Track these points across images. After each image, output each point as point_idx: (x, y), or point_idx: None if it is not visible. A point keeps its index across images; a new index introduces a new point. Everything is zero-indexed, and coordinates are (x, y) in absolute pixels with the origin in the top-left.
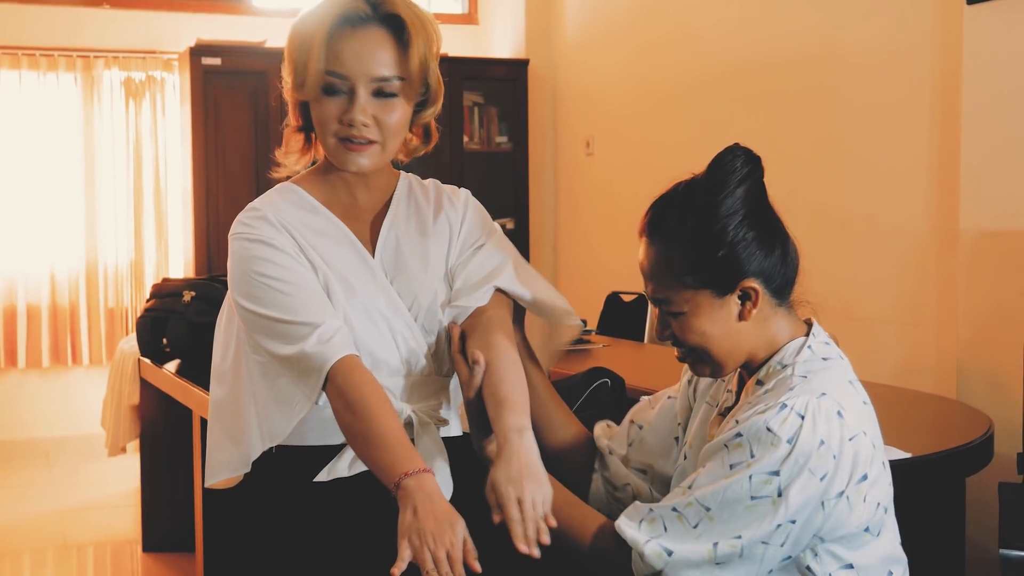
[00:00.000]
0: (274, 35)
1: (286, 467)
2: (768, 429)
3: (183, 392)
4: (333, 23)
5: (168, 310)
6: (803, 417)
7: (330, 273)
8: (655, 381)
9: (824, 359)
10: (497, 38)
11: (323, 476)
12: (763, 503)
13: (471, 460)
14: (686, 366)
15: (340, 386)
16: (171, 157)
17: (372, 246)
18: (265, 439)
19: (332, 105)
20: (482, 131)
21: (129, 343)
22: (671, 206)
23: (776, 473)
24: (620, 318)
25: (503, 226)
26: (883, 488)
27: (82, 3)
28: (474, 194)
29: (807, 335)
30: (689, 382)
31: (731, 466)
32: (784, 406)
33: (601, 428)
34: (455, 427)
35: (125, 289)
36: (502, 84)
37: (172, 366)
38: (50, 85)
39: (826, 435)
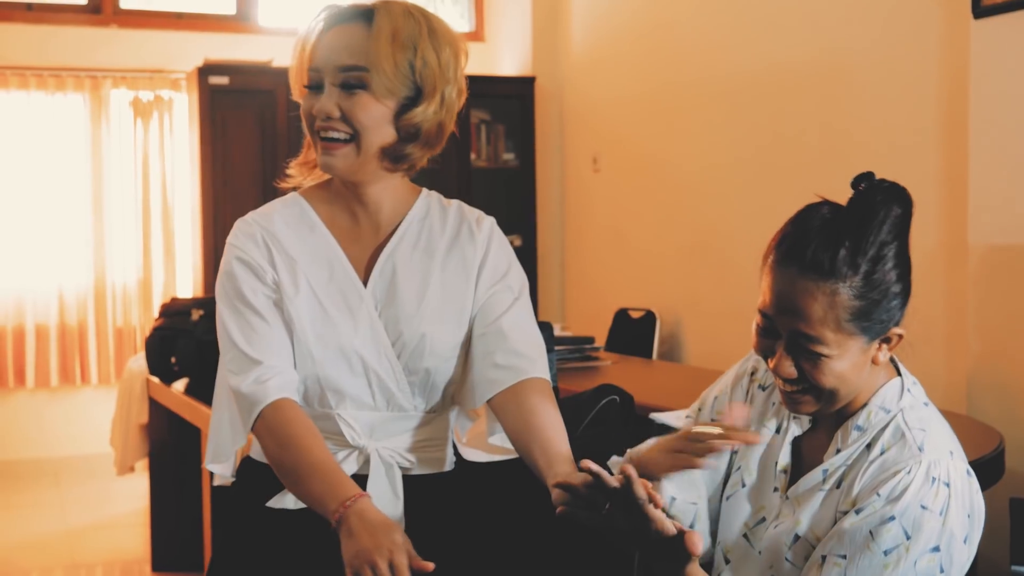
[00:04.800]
0: (281, 54)
1: (266, 485)
2: (923, 507)
3: (191, 411)
4: (324, 24)
5: (177, 329)
6: (949, 485)
7: (300, 300)
8: (664, 398)
9: (924, 404)
10: (504, 55)
11: (274, 503)
12: None
13: (458, 496)
14: (727, 384)
15: (270, 424)
16: (179, 176)
17: (368, 272)
18: (211, 458)
19: (307, 100)
20: (489, 148)
21: (138, 362)
22: (836, 241)
23: (936, 549)
24: (628, 335)
25: (511, 243)
26: None
27: (90, 23)
28: (481, 211)
29: (899, 375)
30: (745, 402)
31: (886, 552)
32: (934, 480)
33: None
34: (449, 461)
35: (133, 308)
36: (509, 101)
37: (181, 385)
38: (58, 105)
39: (964, 499)
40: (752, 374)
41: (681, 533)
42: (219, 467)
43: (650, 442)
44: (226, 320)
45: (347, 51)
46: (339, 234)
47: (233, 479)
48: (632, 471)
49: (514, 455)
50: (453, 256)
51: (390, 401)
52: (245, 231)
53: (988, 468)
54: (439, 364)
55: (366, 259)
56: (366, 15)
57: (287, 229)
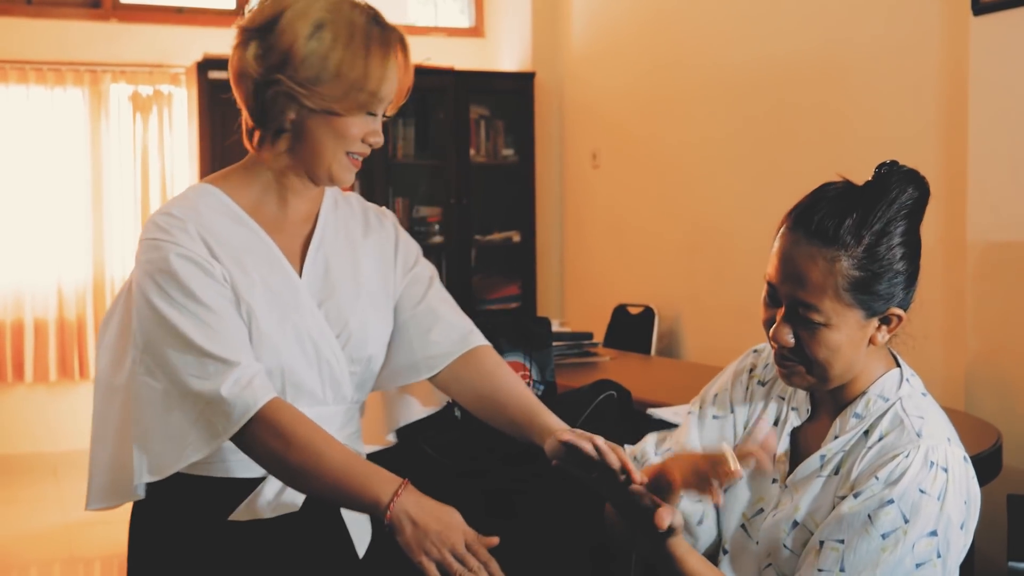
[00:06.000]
0: None
1: (196, 499)
2: (921, 491)
3: None
4: (391, 47)
5: None
6: (947, 471)
7: (257, 293)
8: (662, 394)
9: (923, 395)
10: (504, 51)
11: (241, 515)
12: (927, 567)
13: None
14: (727, 381)
15: (276, 425)
16: (178, 171)
17: (299, 264)
18: (152, 471)
19: (362, 124)
20: (488, 144)
21: None
22: (844, 212)
23: (934, 533)
24: (626, 330)
25: (510, 239)
26: None
27: (90, 17)
28: (480, 207)
29: (898, 366)
30: (744, 399)
31: (884, 535)
32: (932, 464)
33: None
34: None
35: None
36: (509, 97)
37: None
38: (58, 99)
39: (961, 485)
40: (751, 371)
41: (655, 507)
42: (141, 489)
43: (673, 444)
44: (175, 322)
45: (396, 83)
46: (264, 224)
47: (141, 497)
48: (606, 448)
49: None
50: (370, 243)
51: (336, 393)
52: (175, 226)
53: (986, 464)
54: (378, 352)
55: (295, 249)
56: (401, 43)
57: (216, 221)
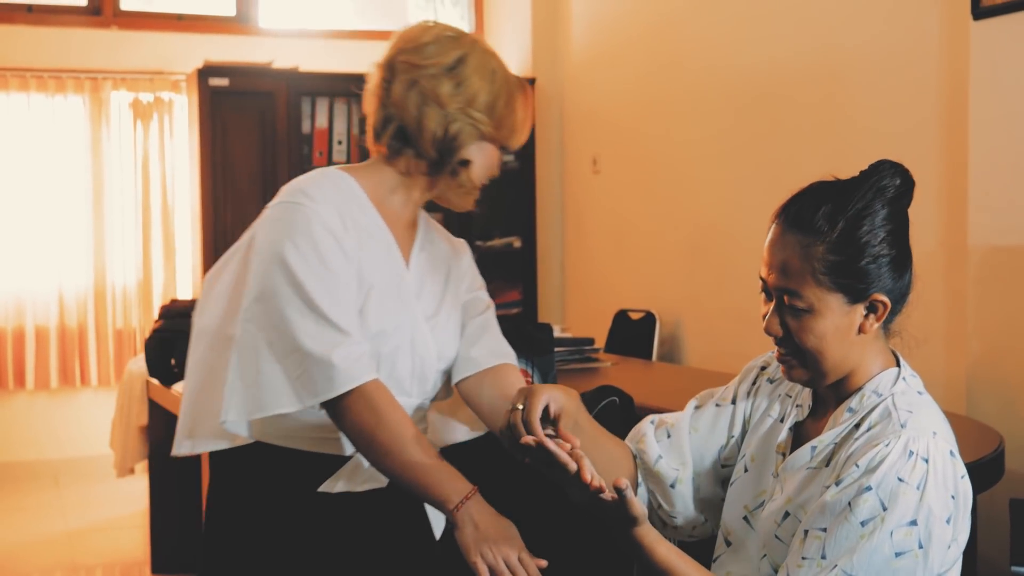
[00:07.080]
0: (281, 56)
1: (281, 470)
2: (899, 479)
3: None
4: (529, 96)
5: (176, 330)
6: (927, 461)
7: (377, 275)
8: (664, 399)
9: (919, 393)
10: (504, 56)
11: (331, 487)
12: (908, 558)
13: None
14: (738, 376)
15: (372, 402)
16: (179, 178)
17: (407, 259)
18: (238, 413)
19: (497, 156)
20: None
21: (137, 364)
22: (821, 201)
23: (914, 523)
24: (628, 336)
25: (510, 244)
26: None
27: (90, 25)
28: (481, 212)
29: (898, 366)
30: (749, 393)
31: (863, 522)
32: (912, 453)
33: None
34: None
35: (133, 309)
36: None
37: (180, 387)
38: (58, 107)
39: (945, 477)
40: (763, 368)
41: (617, 499)
42: (241, 426)
43: (669, 427)
44: (305, 283)
45: None
46: (386, 217)
47: (247, 440)
48: (549, 443)
49: None
50: (453, 259)
51: (421, 388)
52: (319, 196)
53: (988, 469)
54: (455, 351)
55: (405, 246)
56: None
57: (348, 202)
